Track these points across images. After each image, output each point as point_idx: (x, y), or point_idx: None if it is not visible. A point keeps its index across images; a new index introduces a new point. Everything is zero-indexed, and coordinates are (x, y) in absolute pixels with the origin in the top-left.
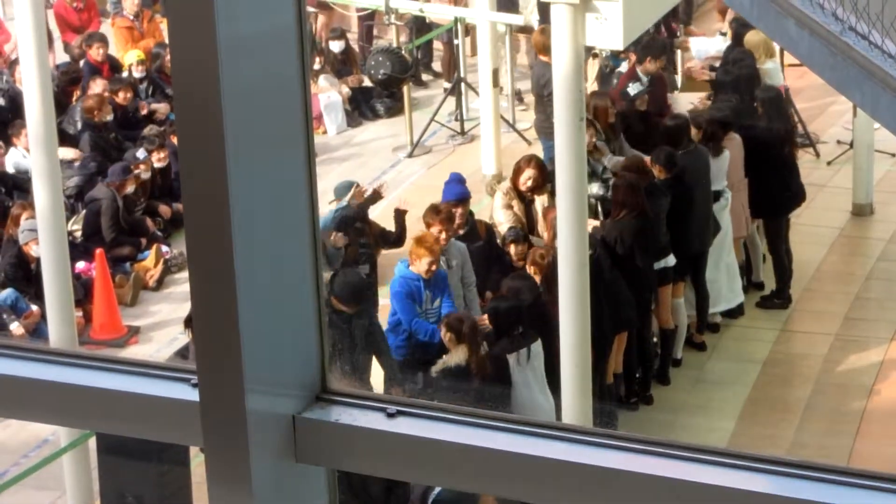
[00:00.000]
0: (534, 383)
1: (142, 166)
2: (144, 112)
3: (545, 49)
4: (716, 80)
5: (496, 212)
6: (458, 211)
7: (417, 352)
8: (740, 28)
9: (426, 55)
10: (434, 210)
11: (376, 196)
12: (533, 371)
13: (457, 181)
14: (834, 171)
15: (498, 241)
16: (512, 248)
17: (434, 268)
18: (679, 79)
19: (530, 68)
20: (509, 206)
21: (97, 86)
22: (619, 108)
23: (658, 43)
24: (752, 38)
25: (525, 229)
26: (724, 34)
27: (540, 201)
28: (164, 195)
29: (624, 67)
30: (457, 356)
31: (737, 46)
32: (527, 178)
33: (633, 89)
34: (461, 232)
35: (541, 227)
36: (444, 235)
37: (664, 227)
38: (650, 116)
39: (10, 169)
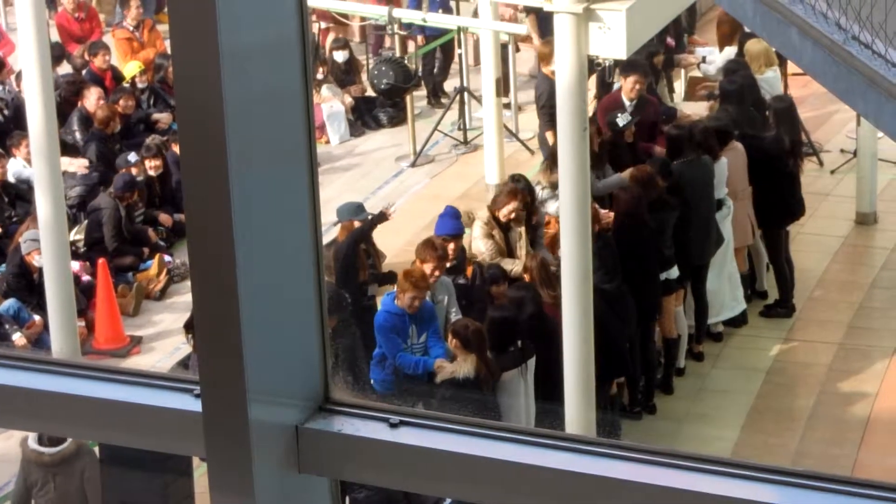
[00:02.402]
0: (523, 392)
1: (133, 170)
2: (155, 120)
3: (546, 61)
4: (720, 89)
5: (476, 242)
6: (451, 245)
7: (405, 385)
8: (743, 38)
9: (440, 72)
10: (430, 245)
11: (382, 218)
12: (525, 382)
13: (452, 216)
14: (837, 180)
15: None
16: (493, 289)
17: (417, 303)
18: (681, 86)
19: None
20: (490, 236)
21: (92, 95)
22: (605, 138)
23: (639, 63)
24: (752, 46)
25: (506, 256)
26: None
27: (518, 229)
28: (165, 204)
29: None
30: (465, 367)
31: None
32: (510, 211)
33: (621, 120)
34: (450, 265)
35: (520, 254)
36: (437, 273)
37: (669, 238)
38: (638, 146)
39: (10, 178)
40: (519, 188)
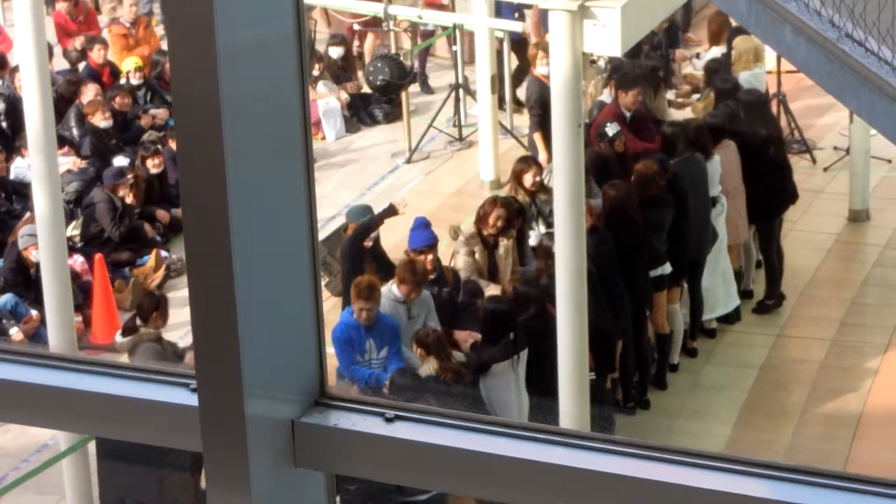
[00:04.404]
0: (515, 386)
1: (129, 174)
2: (144, 122)
3: (536, 63)
4: (714, 88)
5: (457, 257)
6: (428, 257)
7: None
8: (732, 36)
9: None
10: (410, 269)
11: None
12: (517, 375)
13: (423, 226)
14: (830, 177)
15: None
16: (478, 302)
17: (365, 315)
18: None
19: None
20: (471, 254)
21: (90, 90)
22: (595, 149)
23: (632, 72)
24: (741, 43)
25: (485, 277)
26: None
27: (504, 246)
28: (162, 201)
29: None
30: (427, 368)
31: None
32: (496, 219)
33: (611, 129)
34: (431, 277)
35: (505, 272)
36: (413, 295)
37: (665, 235)
38: (628, 157)
39: (15, 177)
40: (502, 197)
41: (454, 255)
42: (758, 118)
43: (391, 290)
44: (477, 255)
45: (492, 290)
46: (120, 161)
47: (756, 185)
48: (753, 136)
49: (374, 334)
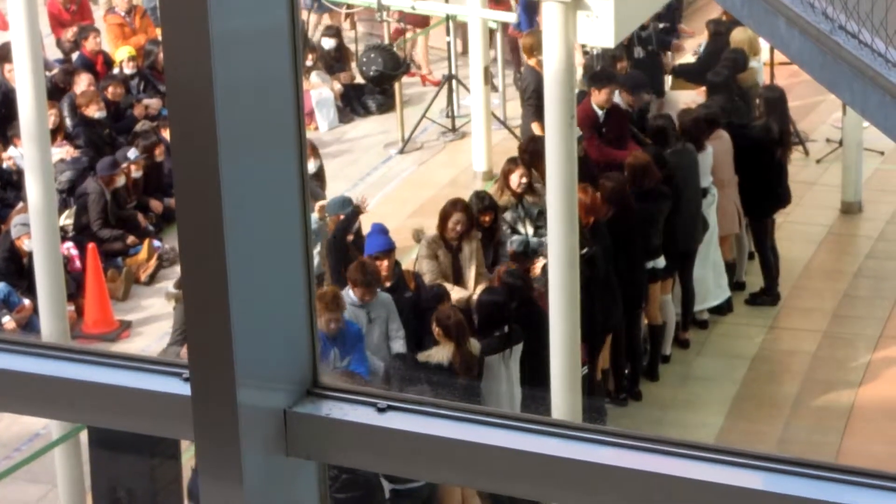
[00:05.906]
0: (505, 377)
1: (133, 166)
2: (137, 112)
3: (533, 52)
4: (708, 80)
5: (420, 261)
6: (384, 263)
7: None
8: (718, 27)
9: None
10: (361, 269)
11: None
12: (508, 368)
13: (379, 232)
14: (823, 169)
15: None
16: (439, 307)
17: (334, 326)
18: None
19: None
20: (434, 257)
21: (83, 81)
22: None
23: (605, 71)
24: (737, 35)
25: (451, 280)
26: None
27: (468, 248)
28: (155, 190)
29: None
30: (441, 354)
31: (715, 46)
32: (455, 223)
33: None
34: (388, 284)
35: (468, 275)
36: (367, 298)
37: (660, 228)
38: (591, 163)
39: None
40: (462, 201)
41: (417, 260)
42: (777, 115)
43: (348, 294)
44: (441, 258)
45: (457, 292)
46: (130, 154)
47: (753, 183)
48: (763, 134)
49: (338, 343)
